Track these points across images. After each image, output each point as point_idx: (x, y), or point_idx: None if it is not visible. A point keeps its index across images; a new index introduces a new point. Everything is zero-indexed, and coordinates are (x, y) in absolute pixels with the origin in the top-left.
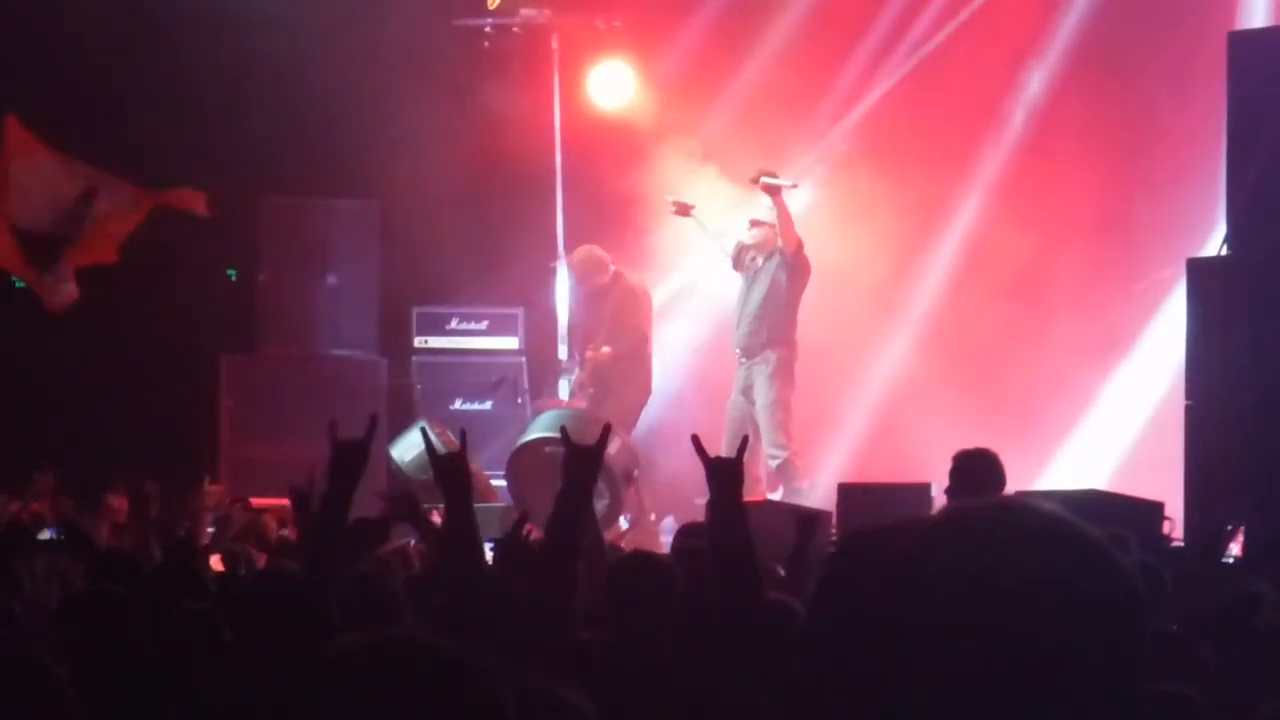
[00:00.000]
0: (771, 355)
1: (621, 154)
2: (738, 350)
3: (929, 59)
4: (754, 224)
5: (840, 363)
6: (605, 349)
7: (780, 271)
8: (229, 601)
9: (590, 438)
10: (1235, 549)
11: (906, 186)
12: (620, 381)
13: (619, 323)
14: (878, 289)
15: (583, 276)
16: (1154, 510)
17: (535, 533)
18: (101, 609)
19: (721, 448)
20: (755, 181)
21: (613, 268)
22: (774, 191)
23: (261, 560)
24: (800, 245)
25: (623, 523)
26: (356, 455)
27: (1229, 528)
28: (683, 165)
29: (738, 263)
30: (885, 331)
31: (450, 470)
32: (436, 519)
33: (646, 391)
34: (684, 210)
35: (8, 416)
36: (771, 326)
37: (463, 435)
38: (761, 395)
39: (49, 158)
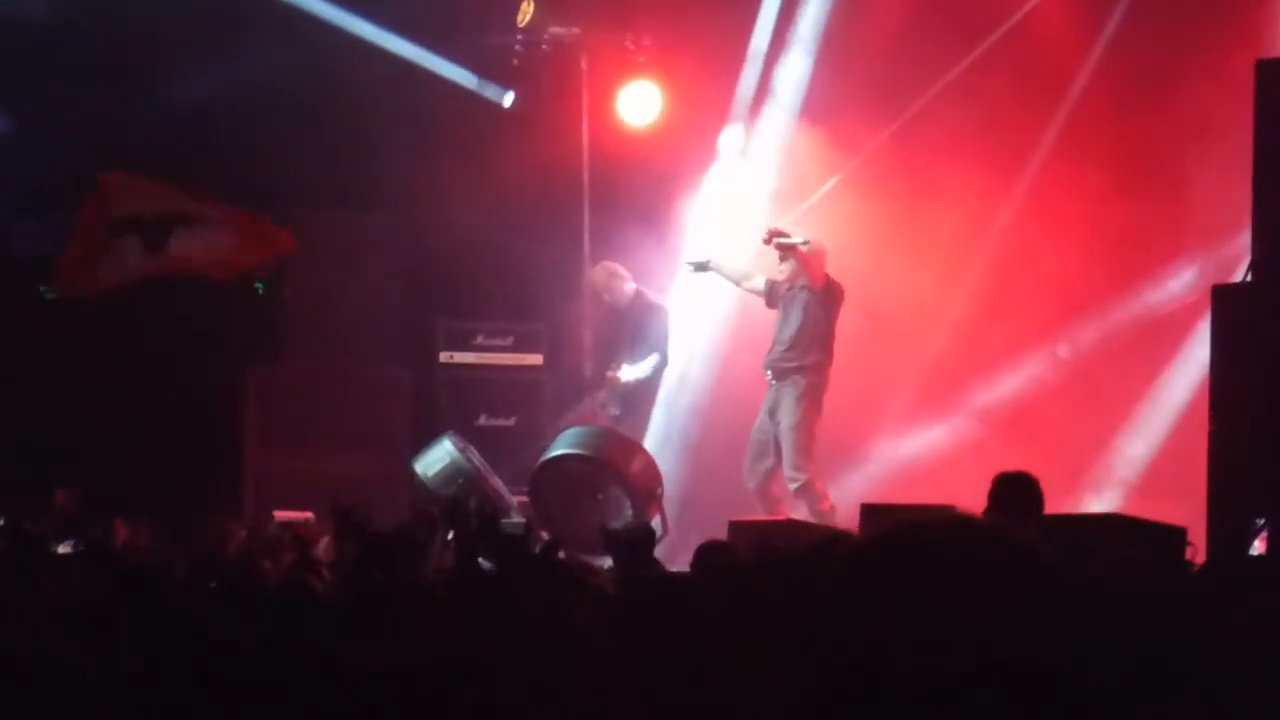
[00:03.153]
0: (801, 380)
1: (649, 172)
2: (768, 372)
3: (960, 79)
4: (782, 258)
5: (866, 380)
6: (624, 369)
7: (814, 304)
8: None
9: (614, 454)
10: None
11: (932, 210)
12: (641, 399)
13: (642, 338)
14: (904, 311)
15: (601, 290)
16: (1176, 535)
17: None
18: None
19: (744, 466)
20: (769, 244)
21: (632, 285)
22: (788, 250)
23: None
24: (826, 280)
25: None
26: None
27: (1258, 523)
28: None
29: (772, 298)
30: (911, 351)
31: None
32: None
33: (654, 408)
34: (702, 268)
35: (35, 427)
36: (805, 353)
37: (528, 529)
38: (786, 417)
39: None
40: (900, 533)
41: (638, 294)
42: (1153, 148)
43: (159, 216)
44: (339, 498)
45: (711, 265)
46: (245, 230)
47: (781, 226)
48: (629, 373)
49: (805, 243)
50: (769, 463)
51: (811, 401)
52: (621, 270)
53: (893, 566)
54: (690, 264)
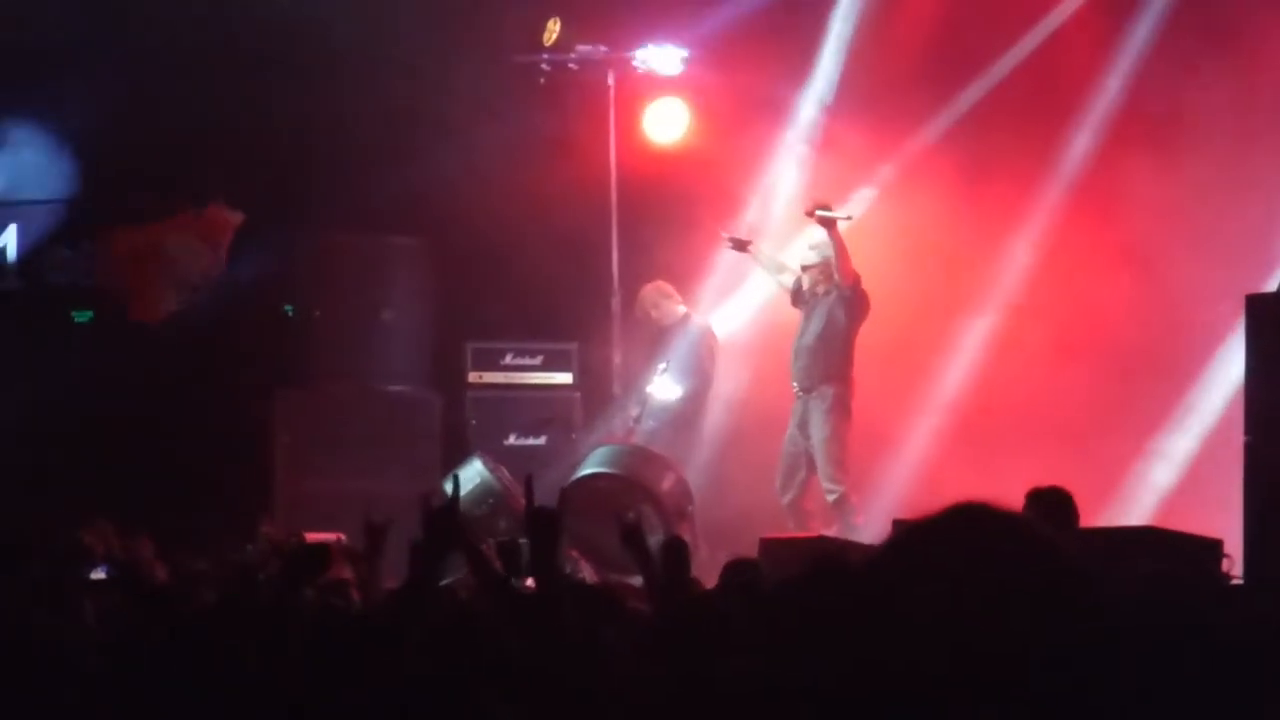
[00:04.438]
0: (828, 390)
1: (677, 189)
2: (795, 385)
3: (990, 94)
4: (805, 268)
5: (897, 393)
6: (668, 381)
7: (838, 307)
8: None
9: (645, 472)
10: None
11: (962, 221)
12: (678, 418)
13: (686, 359)
14: (934, 320)
15: (650, 309)
16: (1212, 548)
17: (587, 567)
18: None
19: (776, 481)
20: (810, 214)
21: (683, 308)
22: (829, 224)
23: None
24: (858, 279)
25: None
26: (447, 520)
27: None
28: (738, 199)
29: (797, 298)
30: (942, 361)
31: (542, 524)
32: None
33: (701, 431)
34: (741, 246)
35: (66, 452)
36: (828, 362)
37: (528, 482)
38: (817, 430)
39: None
40: (917, 530)
41: (686, 315)
42: (1188, 155)
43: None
44: (372, 515)
45: (751, 247)
46: (202, 230)
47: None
48: (660, 388)
49: (849, 217)
50: (801, 476)
51: (841, 412)
52: (673, 291)
53: (911, 562)
54: (730, 239)
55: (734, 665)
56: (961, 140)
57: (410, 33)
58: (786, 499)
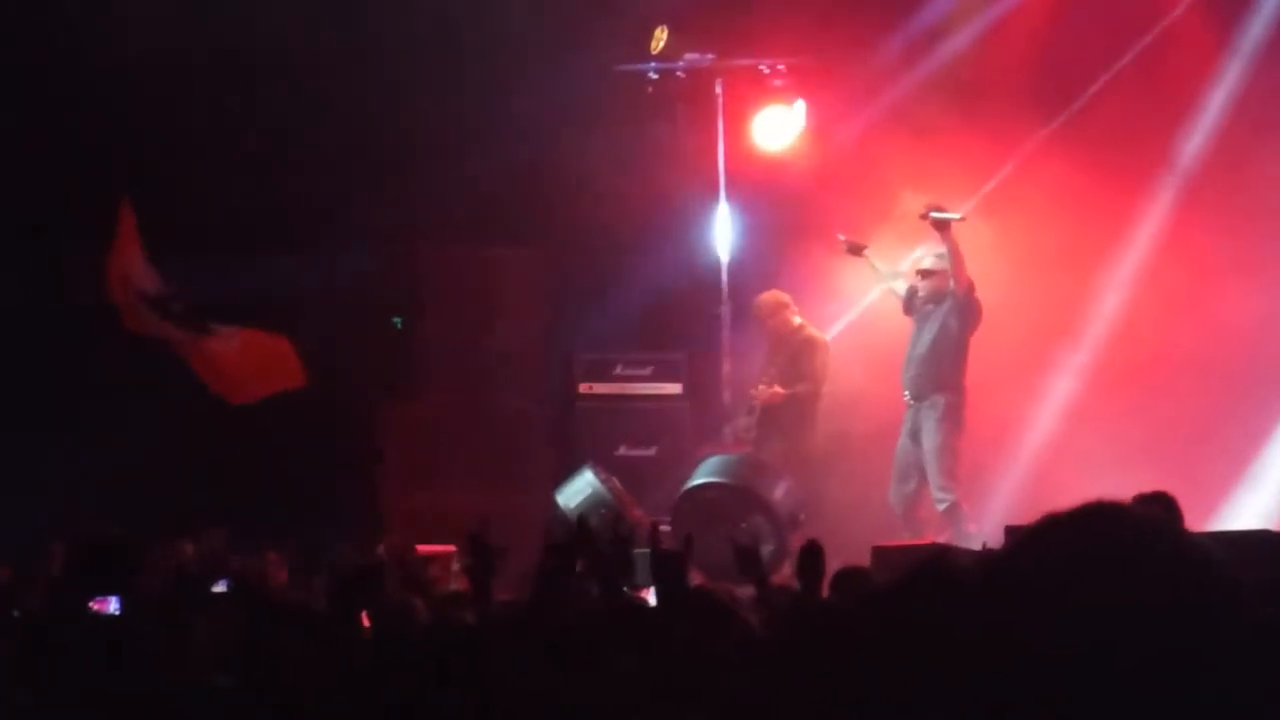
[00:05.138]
0: (940, 399)
1: (786, 197)
2: (907, 393)
3: (1093, 100)
4: (924, 275)
5: (1008, 401)
6: (777, 389)
7: (951, 316)
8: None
9: (756, 482)
10: None
11: (1076, 225)
12: (792, 424)
13: (796, 369)
14: (1045, 327)
15: (765, 318)
16: None
17: (698, 578)
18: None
19: (889, 490)
20: (924, 217)
21: (798, 319)
22: (943, 227)
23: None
24: (972, 286)
25: (788, 567)
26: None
27: None
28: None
29: (909, 306)
30: (1052, 369)
31: (668, 569)
32: None
33: (812, 441)
34: (857, 250)
35: (175, 467)
36: (940, 370)
37: (687, 540)
38: (929, 439)
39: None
40: (1042, 533)
41: (800, 327)
42: None
43: (189, 311)
44: (473, 528)
45: (867, 251)
46: (263, 356)
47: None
48: (770, 397)
49: (962, 217)
50: (913, 485)
51: (953, 421)
52: (789, 300)
53: (1039, 567)
54: (846, 242)
55: (847, 674)
56: (1075, 142)
57: (520, 43)
58: (899, 508)
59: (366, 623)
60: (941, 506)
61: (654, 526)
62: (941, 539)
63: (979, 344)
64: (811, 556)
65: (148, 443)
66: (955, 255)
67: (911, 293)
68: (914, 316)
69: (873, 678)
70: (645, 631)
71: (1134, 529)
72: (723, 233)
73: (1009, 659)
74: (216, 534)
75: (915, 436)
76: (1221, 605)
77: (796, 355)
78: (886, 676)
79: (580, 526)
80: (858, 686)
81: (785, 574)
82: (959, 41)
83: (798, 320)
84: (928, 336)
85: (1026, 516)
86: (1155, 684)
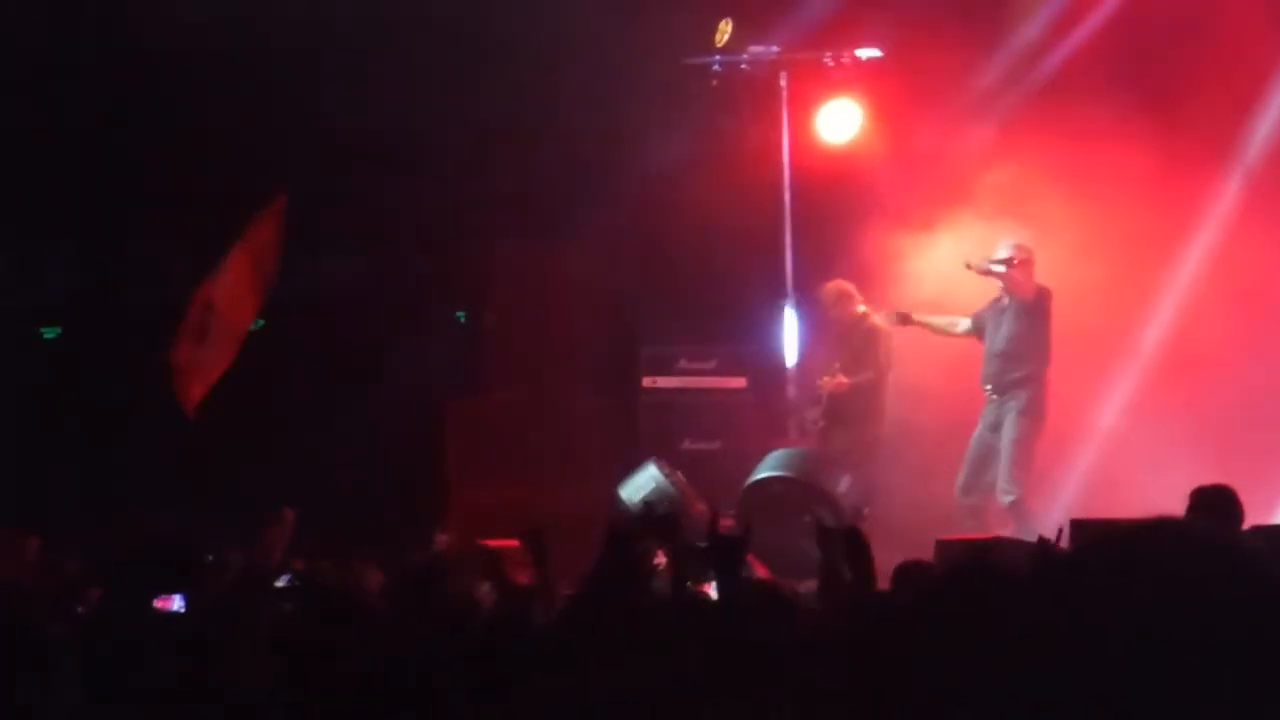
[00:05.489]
0: (1023, 394)
1: (851, 190)
2: (988, 387)
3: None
4: (1001, 264)
5: (1072, 389)
6: (842, 378)
7: (1024, 313)
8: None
9: (820, 475)
10: None
11: (1139, 212)
12: (856, 415)
13: (861, 359)
14: (1110, 314)
15: (830, 307)
16: None
17: (761, 570)
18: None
19: (958, 480)
20: (971, 267)
21: (862, 307)
22: (987, 273)
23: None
24: (1035, 290)
25: None
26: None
27: None
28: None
29: (980, 328)
30: (1116, 361)
31: (726, 551)
32: None
33: (879, 431)
34: (905, 320)
35: (239, 460)
36: (1024, 364)
37: (746, 529)
38: (1008, 431)
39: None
40: (1114, 540)
41: (864, 315)
42: None
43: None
44: (534, 523)
45: (915, 319)
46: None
47: (974, 257)
48: (834, 388)
49: (1003, 263)
50: (989, 478)
51: (1035, 416)
52: (853, 290)
53: (1107, 576)
54: (893, 317)
55: (904, 666)
56: (1144, 131)
57: (585, 38)
58: (972, 499)
59: (427, 616)
60: (1006, 500)
61: (715, 519)
62: (1005, 532)
63: (1056, 334)
64: (855, 546)
65: (214, 437)
66: (1012, 284)
67: (976, 318)
68: (988, 321)
69: (924, 670)
70: (707, 625)
71: (1195, 545)
72: (787, 226)
73: (1056, 658)
74: (283, 522)
75: (995, 429)
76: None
77: (861, 344)
78: (937, 670)
79: (645, 514)
80: (910, 679)
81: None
82: (1027, 31)
83: (861, 309)
84: (1006, 331)
85: (1090, 509)
86: (1198, 697)
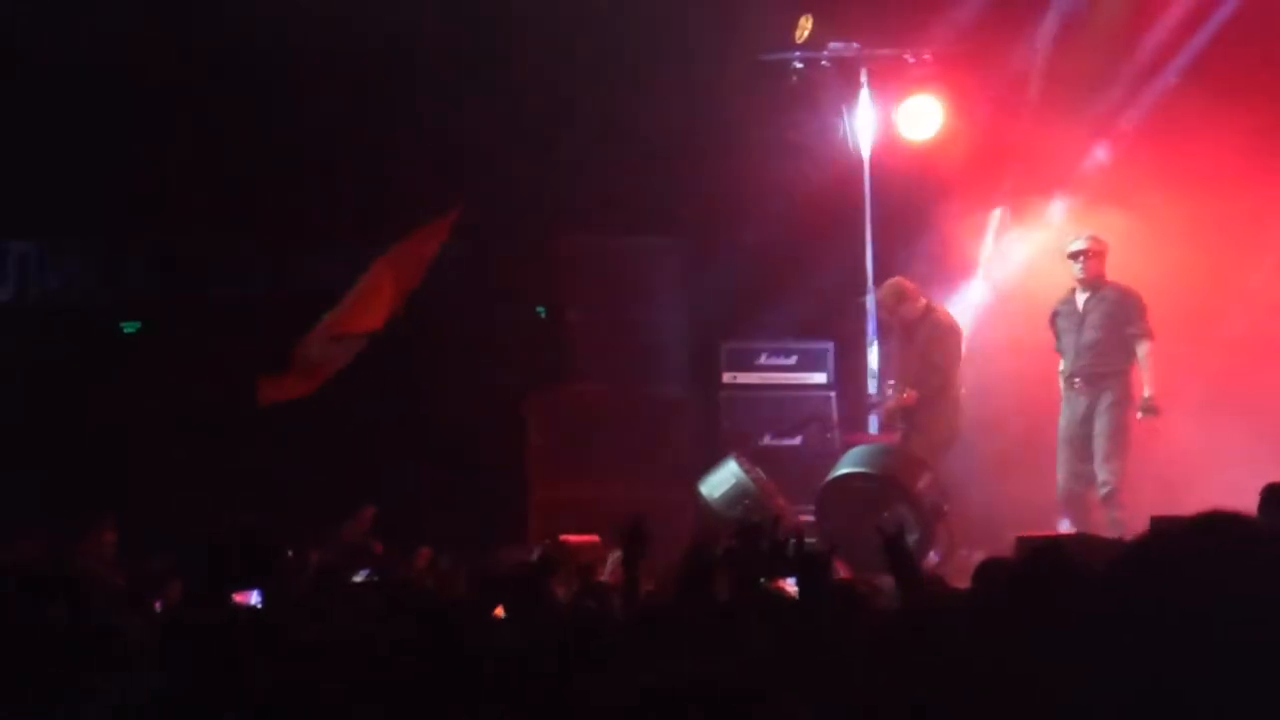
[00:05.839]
0: (1116, 385)
1: (931, 186)
2: (1077, 380)
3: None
4: (1073, 257)
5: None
6: (907, 393)
7: (1113, 305)
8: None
9: (900, 472)
10: None
11: (1215, 204)
12: (927, 419)
13: (927, 361)
14: (1184, 306)
15: (891, 309)
16: None
17: (843, 571)
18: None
19: (1060, 472)
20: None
21: (923, 301)
22: (1074, 258)
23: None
24: (1120, 284)
25: (933, 557)
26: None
27: None
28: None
29: (1057, 327)
30: (1194, 356)
31: (814, 570)
32: None
33: (952, 428)
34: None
35: (320, 457)
36: (1113, 355)
37: (831, 546)
38: (1103, 421)
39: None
40: (1180, 539)
41: (928, 311)
42: None
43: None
44: (626, 519)
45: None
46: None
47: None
48: (897, 400)
49: (1079, 255)
50: (1089, 466)
51: (1128, 404)
52: (910, 287)
53: (1174, 574)
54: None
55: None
56: (1222, 124)
57: (666, 32)
58: (1075, 488)
59: (502, 613)
60: (1104, 490)
61: (799, 524)
62: (1101, 521)
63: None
64: (897, 556)
65: (297, 433)
66: (1092, 275)
67: (1053, 318)
68: (1069, 320)
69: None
70: (780, 618)
71: (1262, 542)
72: (867, 221)
73: (1124, 654)
74: (362, 516)
75: (1087, 421)
76: None
77: (926, 345)
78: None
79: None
80: (981, 673)
81: (930, 563)
82: (1103, 25)
83: (922, 304)
84: (1095, 320)
85: (1164, 506)
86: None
